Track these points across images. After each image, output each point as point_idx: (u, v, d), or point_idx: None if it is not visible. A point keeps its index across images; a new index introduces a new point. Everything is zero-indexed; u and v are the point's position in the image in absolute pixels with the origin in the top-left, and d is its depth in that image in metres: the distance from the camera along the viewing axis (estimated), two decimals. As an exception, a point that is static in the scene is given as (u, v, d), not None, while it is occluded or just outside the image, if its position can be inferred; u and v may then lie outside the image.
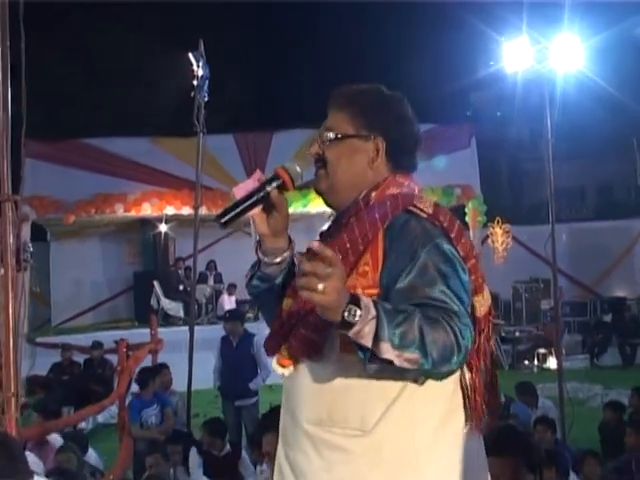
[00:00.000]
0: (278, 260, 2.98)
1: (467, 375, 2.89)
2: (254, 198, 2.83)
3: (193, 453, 9.66)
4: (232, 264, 18.89)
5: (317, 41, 30.95)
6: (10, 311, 5.25)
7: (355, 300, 2.44)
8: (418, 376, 2.67)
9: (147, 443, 10.44)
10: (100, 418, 13.94)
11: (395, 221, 2.79)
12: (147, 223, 22.20)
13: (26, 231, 19.36)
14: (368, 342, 2.46)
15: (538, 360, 19.53)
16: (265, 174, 2.90)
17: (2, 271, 5.42)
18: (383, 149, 2.99)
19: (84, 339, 18.20)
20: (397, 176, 3.01)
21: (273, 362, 2.92)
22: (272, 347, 2.94)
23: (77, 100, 28.80)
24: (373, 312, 2.47)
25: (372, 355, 2.47)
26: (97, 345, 16.81)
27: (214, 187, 19.13)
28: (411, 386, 2.76)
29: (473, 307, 2.89)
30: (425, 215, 2.82)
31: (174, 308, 20.98)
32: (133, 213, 20.95)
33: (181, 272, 21.82)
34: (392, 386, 2.75)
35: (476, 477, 2.94)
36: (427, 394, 2.80)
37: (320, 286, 2.36)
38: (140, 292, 22.30)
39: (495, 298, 23.08)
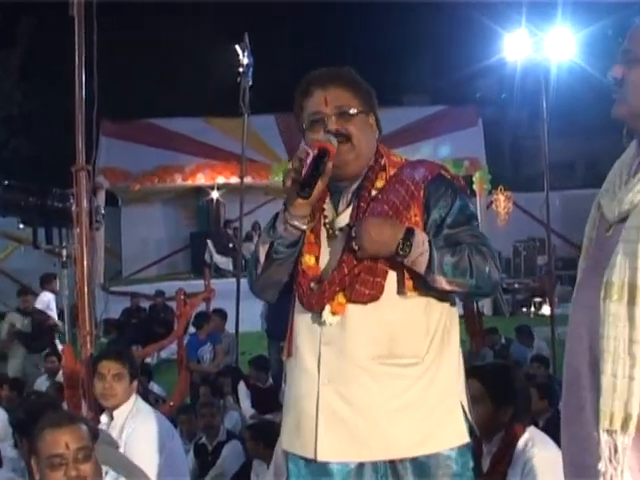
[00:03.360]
0: (306, 227, 2.89)
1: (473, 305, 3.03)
2: (319, 170, 2.74)
3: (241, 385, 9.71)
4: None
5: (347, 36, 30.82)
6: (85, 263, 5.30)
7: (409, 235, 2.72)
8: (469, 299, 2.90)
9: (201, 376, 10.51)
10: (163, 354, 14.00)
11: (432, 180, 2.88)
12: (201, 190, 22.22)
13: (101, 197, 19.55)
14: (422, 270, 2.74)
15: (534, 307, 19.47)
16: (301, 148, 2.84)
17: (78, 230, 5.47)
18: (374, 123, 3.00)
19: (149, 288, 18.35)
20: (380, 144, 3.03)
21: (325, 312, 2.81)
22: (321, 299, 2.83)
23: (143, 86, 28.89)
24: (426, 246, 2.73)
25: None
26: (159, 293, 17.02)
27: (257, 160, 19.20)
28: (445, 322, 2.91)
29: None
30: (449, 177, 2.94)
31: (224, 262, 21.02)
32: (189, 182, 21.07)
33: (230, 232, 21.81)
34: (434, 322, 2.87)
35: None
36: (453, 326, 2.97)
37: (356, 247, 2.75)
38: (196, 249, 22.40)
39: (498, 255, 23.02)
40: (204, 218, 23.18)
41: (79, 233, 5.32)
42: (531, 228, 21.49)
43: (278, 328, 11.63)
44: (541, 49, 12.55)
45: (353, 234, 2.76)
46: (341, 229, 2.88)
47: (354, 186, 2.95)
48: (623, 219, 2.36)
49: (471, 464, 2.90)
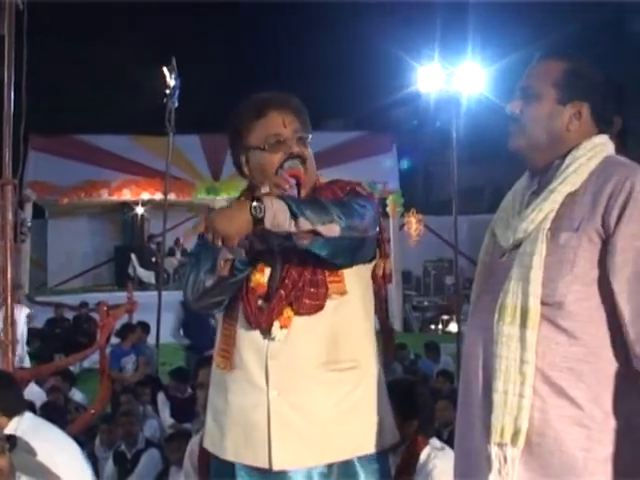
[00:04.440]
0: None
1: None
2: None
3: (161, 395, 9.60)
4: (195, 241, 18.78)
5: (270, 60, 30.94)
6: (9, 275, 5.17)
7: (257, 200, 2.53)
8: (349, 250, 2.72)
9: (123, 385, 10.36)
10: (85, 364, 13.80)
11: (345, 194, 2.90)
12: (126, 206, 22.05)
13: (28, 210, 19.41)
14: (286, 223, 2.54)
15: (442, 325, 19.68)
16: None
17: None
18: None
19: (73, 299, 18.14)
20: None
21: (274, 327, 2.76)
22: (269, 315, 2.78)
23: (73, 103, 28.71)
24: (278, 199, 2.57)
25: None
26: (83, 305, 16.85)
27: (182, 177, 19.17)
28: (373, 325, 2.92)
29: (384, 267, 2.95)
30: (365, 193, 2.89)
31: (147, 276, 20.94)
32: (115, 197, 20.94)
33: (153, 247, 21.69)
34: (370, 327, 2.88)
35: None
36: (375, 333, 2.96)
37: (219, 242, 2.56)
38: (120, 262, 22.25)
39: (409, 274, 23.35)
40: (129, 232, 23.00)
41: (3, 246, 5.20)
42: (441, 249, 21.80)
43: (203, 340, 11.55)
44: (452, 82, 12.78)
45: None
46: (279, 245, 2.79)
47: None
48: (517, 246, 2.43)
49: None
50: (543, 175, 2.51)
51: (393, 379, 4.28)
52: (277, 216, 2.54)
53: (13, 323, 5.26)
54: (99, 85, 29.66)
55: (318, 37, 29.05)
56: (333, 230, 2.61)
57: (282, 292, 2.78)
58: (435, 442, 3.97)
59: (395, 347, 12.60)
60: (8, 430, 4.41)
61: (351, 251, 2.73)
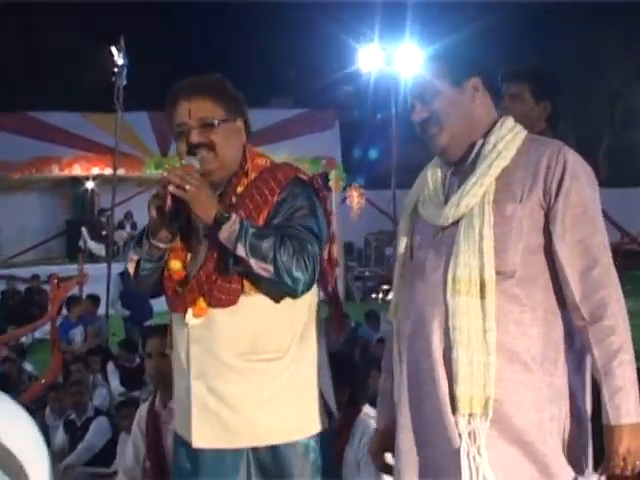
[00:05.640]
0: (168, 246, 2.82)
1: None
2: (179, 214, 2.74)
3: (110, 365, 9.57)
4: (145, 215, 18.66)
5: (217, 39, 30.66)
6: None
7: (228, 214, 2.63)
8: (279, 289, 2.72)
9: (73, 355, 10.31)
10: (37, 335, 13.66)
11: (287, 185, 2.79)
12: (77, 181, 21.71)
13: (-21, 186, 19.13)
14: (231, 243, 2.63)
15: (382, 294, 19.75)
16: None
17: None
18: (243, 126, 2.91)
19: (26, 272, 17.94)
20: (250, 146, 2.95)
21: (188, 315, 2.77)
22: (184, 303, 2.79)
23: (23, 81, 28.26)
24: (237, 222, 2.63)
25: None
26: (35, 277, 16.72)
27: (131, 153, 18.98)
28: (306, 317, 2.86)
29: (331, 251, 2.94)
30: (306, 178, 2.86)
31: (97, 249, 20.74)
32: (66, 172, 20.57)
33: (104, 220, 21.47)
34: (296, 319, 2.82)
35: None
36: (313, 320, 2.91)
37: (187, 186, 2.60)
38: (71, 236, 21.91)
39: (351, 246, 23.44)
40: (79, 207, 22.72)
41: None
42: (381, 222, 21.88)
43: (142, 311, 11.44)
44: (392, 62, 12.82)
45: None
46: (206, 235, 2.80)
47: (218, 192, 2.85)
48: (454, 223, 2.46)
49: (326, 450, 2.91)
50: (461, 160, 2.56)
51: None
52: (230, 233, 2.63)
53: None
54: (49, 63, 29.23)
55: (265, 18, 28.85)
56: (265, 270, 2.64)
57: (194, 282, 2.78)
58: (368, 409, 4.01)
59: (343, 326, 12.62)
60: None
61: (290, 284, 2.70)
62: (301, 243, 2.66)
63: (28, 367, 10.48)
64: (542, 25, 27.62)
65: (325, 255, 2.88)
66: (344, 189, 22.00)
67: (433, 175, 2.63)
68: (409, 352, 2.52)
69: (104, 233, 20.65)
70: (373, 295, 20.09)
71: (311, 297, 2.87)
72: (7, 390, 8.73)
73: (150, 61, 25.72)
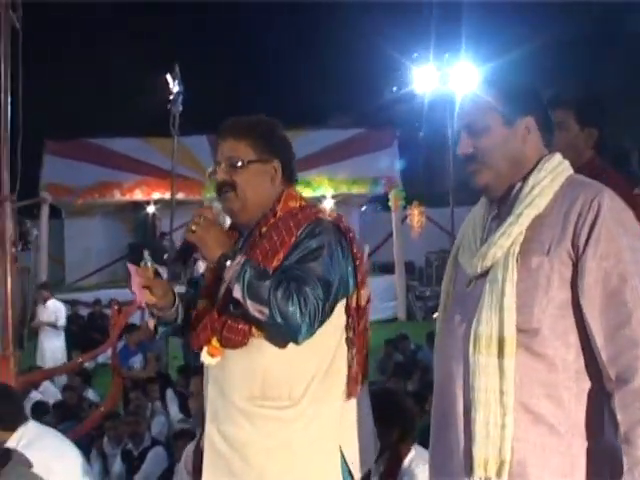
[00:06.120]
0: (173, 311, 2.90)
1: (351, 351, 2.82)
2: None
3: (169, 392, 9.57)
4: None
5: (273, 61, 30.92)
6: (8, 289, 5.12)
7: (234, 254, 2.62)
8: (277, 332, 2.64)
9: (132, 381, 10.34)
10: (100, 359, 13.75)
11: (306, 227, 2.72)
12: (138, 205, 22.01)
13: (45, 211, 19.52)
14: (232, 282, 2.61)
15: (444, 313, 19.54)
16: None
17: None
18: (280, 169, 2.88)
19: (89, 296, 18.13)
20: (290, 189, 2.91)
21: (203, 354, 2.76)
22: (201, 341, 2.78)
23: (86, 109, 28.84)
24: (241, 263, 2.59)
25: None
26: (97, 302, 16.89)
27: (190, 177, 19.07)
28: (327, 365, 2.74)
29: (359, 297, 2.82)
30: (330, 219, 2.79)
31: (160, 272, 20.91)
32: (127, 197, 20.84)
33: (165, 243, 21.67)
34: (311, 366, 2.71)
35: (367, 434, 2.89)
36: (338, 369, 2.78)
37: (193, 227, 2.67)
38: (133, 258, 22.04)
39: (412, 265, 23.27)
40: (141, 230, 23.02)
41: (2, 261, 5.15)
42: (442, 240, 21.67)
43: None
44: (447, 82, 12.73)
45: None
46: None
47: (247, 232, 2.90)
48: (485, 273, 2.32)
49: None
50: (502, 200, 2.41)
51: (374, 388, 4.22)
52: (233, 273, 2.61)
53: (15, 336, 5.21)
54: (109, 90, 29.85)
55: (320, 38, 28.94)
56: (260, 313, 2.57)
57: (207, 321, 2.76)
58: (419, 449, 3.89)
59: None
60: (12, 441, 4.38)
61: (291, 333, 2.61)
62: (300, 286, 2.56)
63: (90, 394, 10.55)
64: (594, 47, 27.11)
65: (353, 302, 2.80)
66: (404, 208, 21.89)
67: (476, 218, 2.50)
68: (437, 406, 2.44)
69: (166, 257, 20.82)
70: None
71: (329, 341, 2.76)
72: (68, 418, 8.81)
73: (208, 84, 26.01)
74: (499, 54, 14.47)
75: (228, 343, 2.71)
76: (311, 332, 2.60)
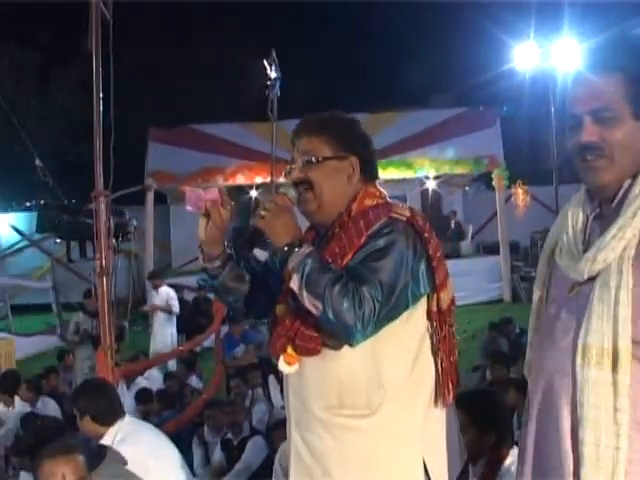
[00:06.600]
0: (216, 265, 2.96)
1: (437, 358, 2.69)
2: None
3: (272, 378, 9.58)
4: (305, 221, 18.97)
5: (371, 45, 30.76)
6: (104, 286, 5.18)
7: (300, 244, 2.58)
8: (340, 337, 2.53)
9: (234, 368, 10.42)
10: (205, 343, 13.91)
11: (376, 228, 2.59)
12: (241, 189, 22.11)
13: (150, 198, 19.83)
14: (292, 272, 2.54)
15: (550, 294, 19.15)
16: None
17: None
18: (357, 166, 2.77)
19: (195, 280, 18.31)
20: (368, 187, 2.79)
21: (280, 362, 2.68)
22: (277, 349, 2.70)
23: (188, 96, 29.42)
24: (305, 252, 2.52)
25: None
26: (201, 286, 16.87)
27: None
28: (404, 372, 2.61)
29: (439, 300, 2.67)
30: (404, 218, 2.63)
31: (263, 256, 20.92)
32: (230, 182, 20.91)
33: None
34: (388, 373, 2.60)
35: (452, 444, 2.76)
36: (423, 379, 2.67)
37: (262, 212, 2.65)
38: (240, 242, 22.32)
39: (516, 245, 22.84)
40: (244, 214, 23.05)
41: (99, 256, 5.21)
42: (547, 219, 21.18)
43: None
44: (548, 59, 12.40)
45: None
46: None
47: (323, 233, 2.83)
48: (591, 278, 2.12)
49: None
50: (606, 199, 2.18)
51: (469, 390, 4.06)
52: (294, 264, 2.54)
53: (112, 331, 5.27)
54: (210, 77, 30.29)
55: (423, 18, 28.62)
56: (315, 307, 2.47)
57: (280, 328, 2.68)
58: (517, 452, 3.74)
59: (501, 321, 12.29)
60: (108, 437, 4.43)
61: (348, 333, 2.48)
62: (359, 285, 2.45)
63: (193, 381, 10.66)
64: None
65: (433, 307, 2.67)
66: (508, 187, 21.48)
67: (574, 217, 2.26)
68: (537, 421, 2.25)
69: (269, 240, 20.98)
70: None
71: (409, 347, 2.64)
72: (171, 406, 8.93)
73: (309, 69, 26.08)
74: (602, 31, 14.00)
75: (302, 351, 2.63)
76: (365, 335, 2.48)
